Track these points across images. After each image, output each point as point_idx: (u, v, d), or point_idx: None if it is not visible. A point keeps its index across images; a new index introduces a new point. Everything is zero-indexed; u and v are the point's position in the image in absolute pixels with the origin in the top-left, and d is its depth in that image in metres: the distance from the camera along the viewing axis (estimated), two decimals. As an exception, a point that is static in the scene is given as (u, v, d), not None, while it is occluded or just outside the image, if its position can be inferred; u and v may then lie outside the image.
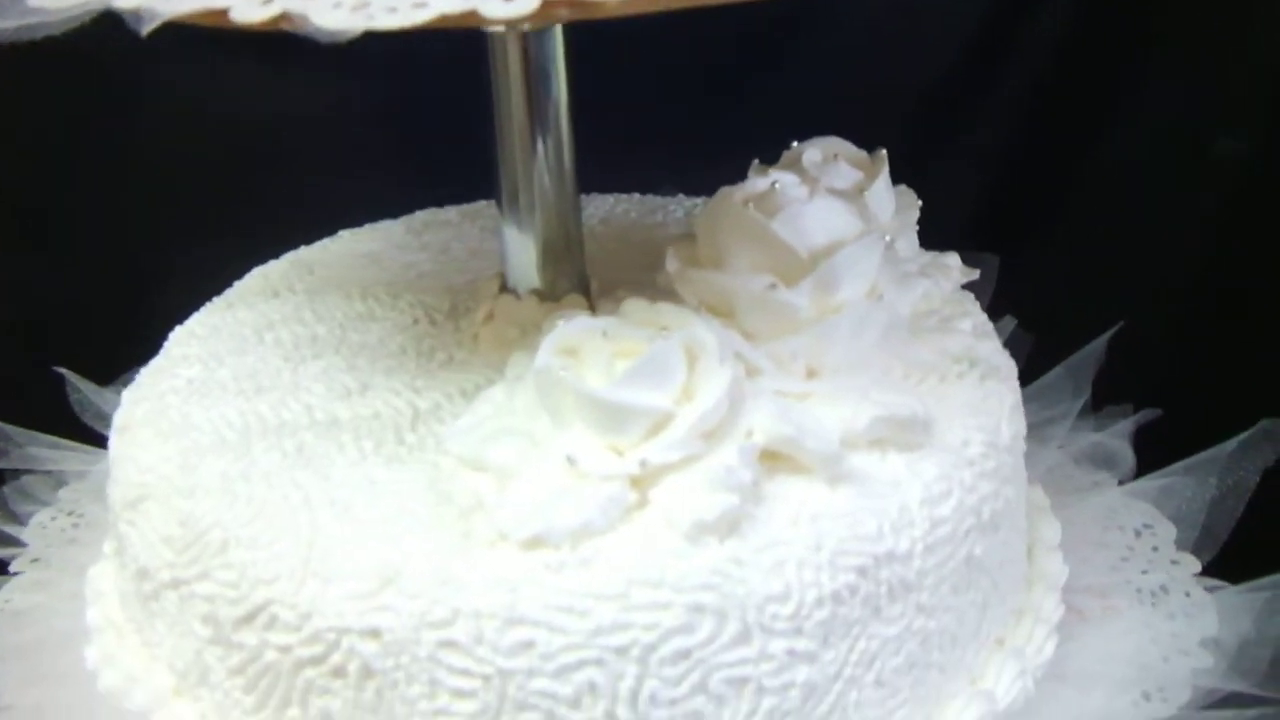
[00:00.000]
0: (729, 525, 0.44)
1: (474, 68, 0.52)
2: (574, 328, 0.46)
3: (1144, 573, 0.56)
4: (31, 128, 0.83)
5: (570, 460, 0.45)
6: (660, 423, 0.45)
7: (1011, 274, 0.65)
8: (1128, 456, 0.62)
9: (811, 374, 0.49)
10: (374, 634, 0.43)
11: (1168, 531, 0.59)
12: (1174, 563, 0.57)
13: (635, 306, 0.47)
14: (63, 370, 0.67)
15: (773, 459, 0.46)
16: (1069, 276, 0.74)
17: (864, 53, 0.79)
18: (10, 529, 0.62)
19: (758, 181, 0.50)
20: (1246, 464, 0.57)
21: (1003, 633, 0.51)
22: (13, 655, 0.55)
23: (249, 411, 0.51)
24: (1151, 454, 0.62)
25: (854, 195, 0.50)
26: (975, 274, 0.55)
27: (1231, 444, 0.57)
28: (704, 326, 0.45)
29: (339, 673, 0.44)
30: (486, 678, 0.43)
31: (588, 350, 0.46)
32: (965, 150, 0.80)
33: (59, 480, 0.64)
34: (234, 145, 0.82)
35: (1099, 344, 0.64)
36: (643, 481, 0.45)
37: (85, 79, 0.79)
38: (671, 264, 0.50)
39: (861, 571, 0.45)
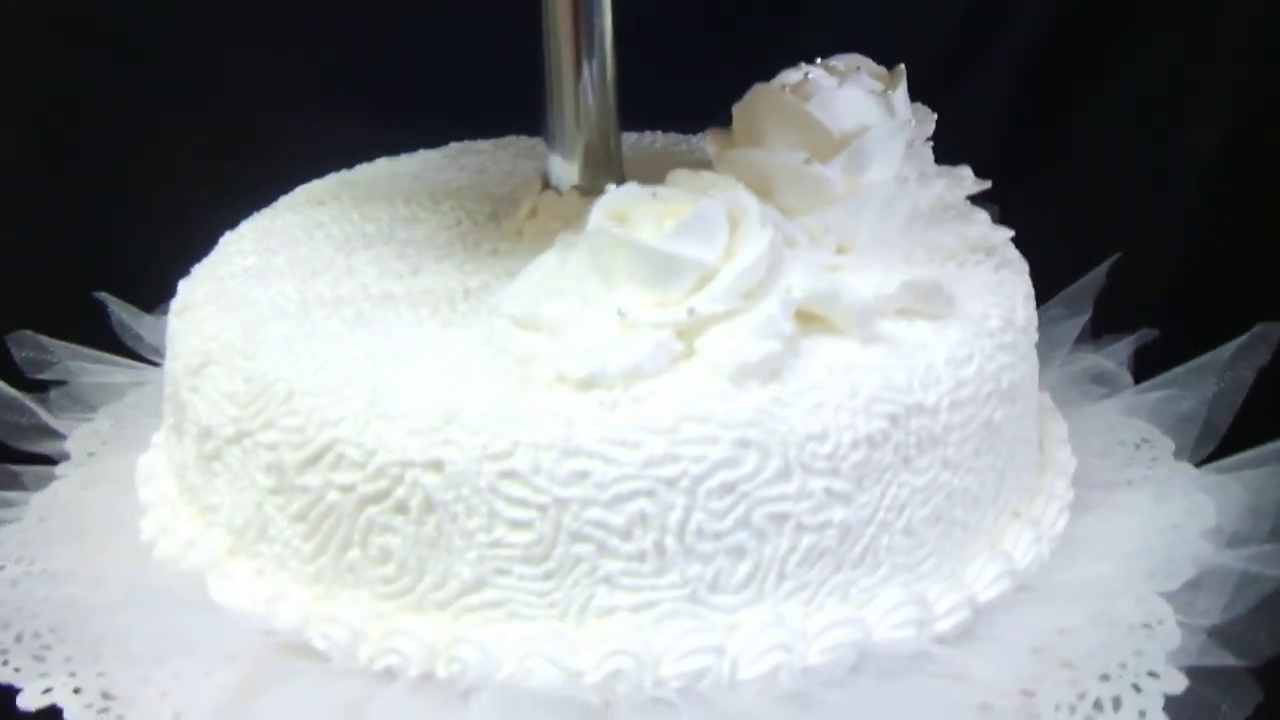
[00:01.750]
0: (770, 371, 0.47)
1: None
2: (625, 192, 0.49)
3: (1145, 477, 0.59)
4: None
5: (621, 313, 0.48)
6: (706, 277, 0.48)
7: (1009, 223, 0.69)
8: (1125, 378, 0.65)
9: (842, 250, 0.52)
10: (436, 466, 0.46)
11: (1166, 444, 0.62)
12: (1174, 471, 0.60)
13: (681, 176, 0.50)
14: (103, 294, 0.70)
15: (808, 321, 0.49)
16: (1065, 224, 0.77)
17: (867, 13, 0.83)
18: (53, 440, 0.64)
19: (791, 73, 0.53)
20: (1243, 365, 0.60)
21: (1019, 506, 0.54)
22: (68, 538, 0.57)
23: (306, 289, 0.54)
24: (1150, 377, 0.66)
25: (879, 92, 0.54)
26: (987, 184, 0.58)
27: (1229, 348, 0.61)
28: (745, 192, 0.49)
29: (401, 508, 0.47)
30: (543, 507, 0.46)
31: (637, 213, 0.49)
32: (964, 104, 0.84)
33: (101, 392, 0.66)
34: (255, 87, 0.85)
35: (1098, 272, 0.68)
36: (689, 332, 0.48)
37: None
38: (710, 148, 0.54)
39: (893, 419, 0.48)
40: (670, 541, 0.46)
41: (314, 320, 0.52)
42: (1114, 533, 0.55)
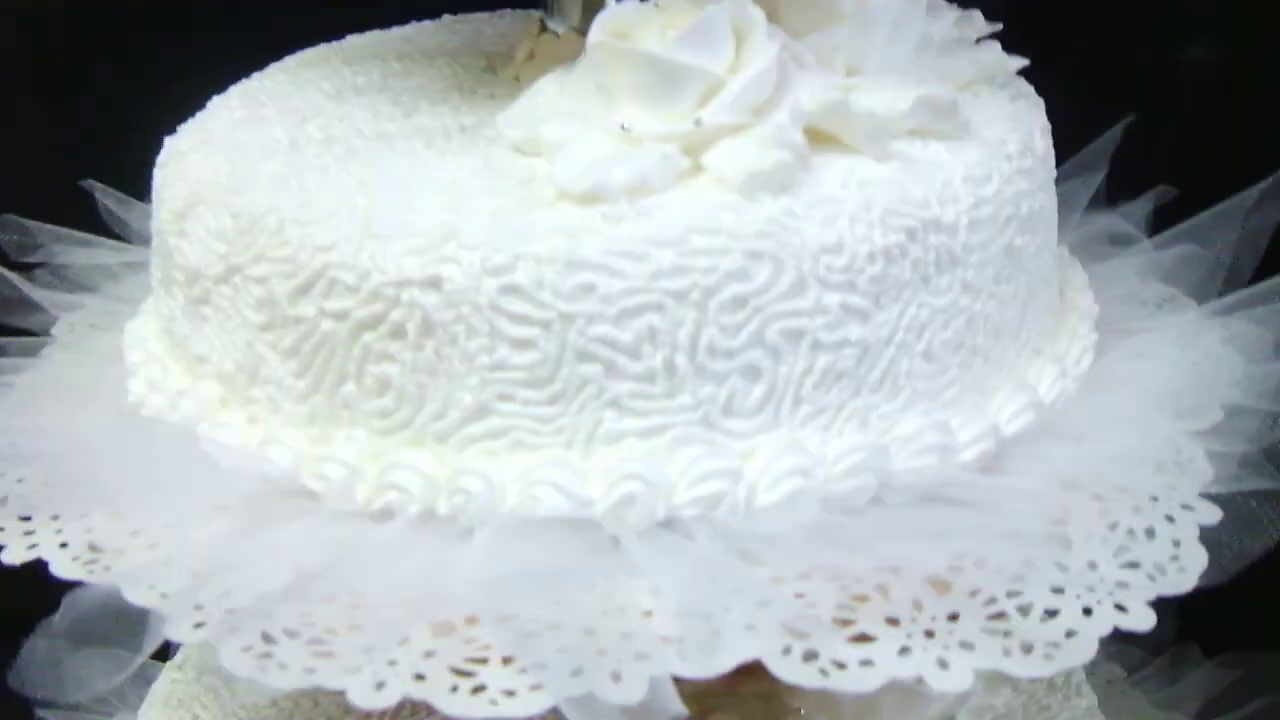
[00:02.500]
0: (781, 182, 0.45)
1: None
2: (626, 7, 0.47)
3: (1170, 324, 0.57)
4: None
5: (625, 128, 0.46)
6: (712, 89, 0.46)
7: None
8: (1142, 240, 0.63)
9: (851, 72, 0.50)
10: (434, 284, 0.44)
11: (1187, 303, 0.61)
12: (1199, 319, 0.58)
13: (683, -11, 0.48)
14: (90, 182, 0.68)
15: (820, 140, 0.47)
16: (1079, 89, 0.74)
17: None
18: (41, 316, 0.62)
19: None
20: (1268, 208, 0.58)
21: (1041, 344, 0.52)
22: (54, 404, 0.55)
23: (296, 132, 0.52)
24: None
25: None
26: (997, 26, 0.56)
27: (1252, 193, 0.59)
28: (750, 3, 0.47)
29: (398, 333, 0.45)
30: (547, 324, 0.44)
31: (640, 29, 0.47)
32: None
33: (91, 274, 0.64)
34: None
35: (1113, 133, 0.66)
36: (695, 147, 0.46)
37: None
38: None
39: (910, 234, 0.46)
40: (681, 360, 0.44)
41: (305, 157, 0.49)
42: (1139, 375, 0.53)
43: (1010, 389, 0.49)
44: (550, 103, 0.48)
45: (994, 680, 0.63)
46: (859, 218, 0.45)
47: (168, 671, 0.68)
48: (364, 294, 0.45)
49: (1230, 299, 0.56)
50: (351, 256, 0.45)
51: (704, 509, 0.44)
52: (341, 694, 0.65)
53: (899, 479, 0.46)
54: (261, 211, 0.47)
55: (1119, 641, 0.78)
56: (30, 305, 0.61)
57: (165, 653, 0.69)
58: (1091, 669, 0.72)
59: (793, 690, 0.59)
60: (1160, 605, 0.79)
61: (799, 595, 0.43)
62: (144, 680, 0.69)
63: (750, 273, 0.44)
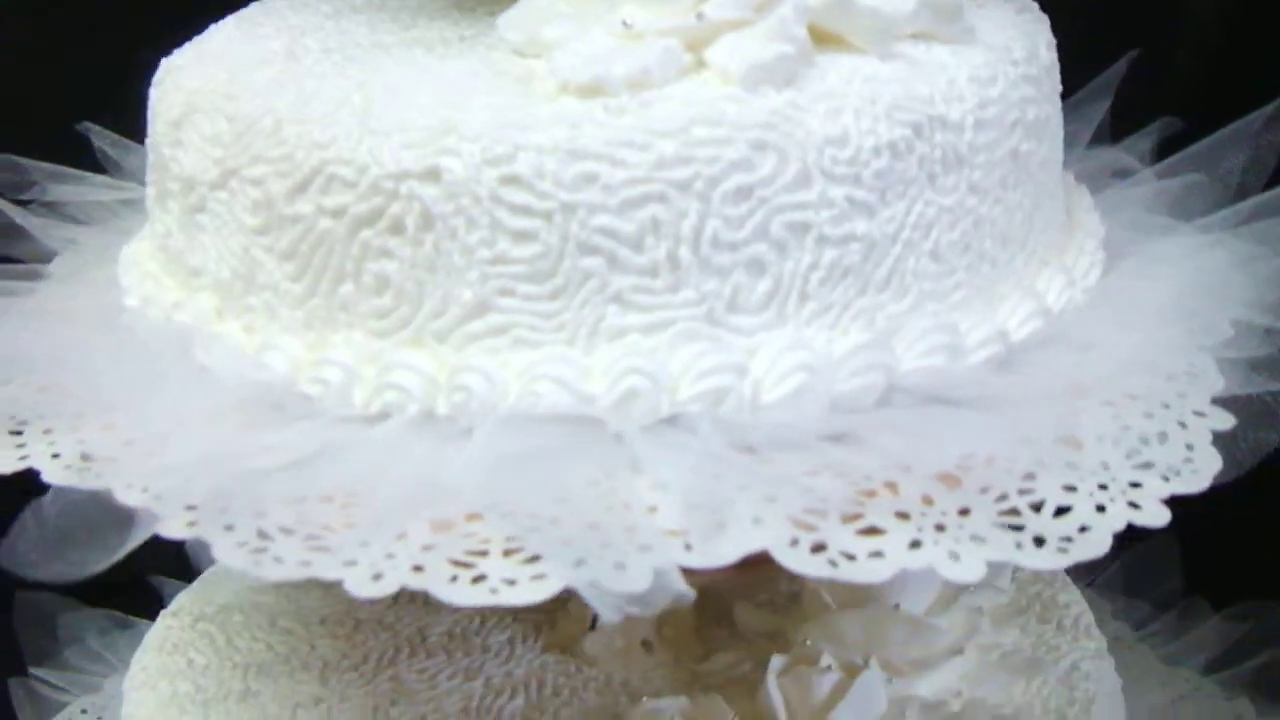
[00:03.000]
0: (784, 75, 0.44)
1: None
2: (625, -95, 0.47)
3: (1177, 245, 0.56)
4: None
5: (626, 24, 0.45)
6: (714, -17, 0.45)
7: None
8: (1146, 173, 0.63)
9: (853, -18, 0.49)
10: (434, 175, 0.43)
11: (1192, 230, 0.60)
12: (1208, 241, 0.58)
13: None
14: (87, 125, 0.67)
15: (823, 40, 0.46)
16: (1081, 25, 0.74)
17: None
18: (35, 249, 0.61)
19: None
20: (1275, 129, 0.57)
21: (1048, 255, 0.51)
22: (46, 329, 0.54)
23: (294, 44, 0.51)
24: (1174, 175, 0.63)
25: None
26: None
27: (1260, 114, 0.58)
28: (753, -99, 0.46)
29: (397, 227, 0.44)
30: (548, 215, 0.43)
31: (640, -74, 0.46)
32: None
33: (88, 210, 0.63)
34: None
35: (1117, 67, 0.65)
36: (697, 43, 0.45)
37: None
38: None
39: (916, 129, 0.45)
40: (684, 252, 0.43)
41: (302, 65, 0.49)
42: (1147, 291, 0.53)
43: (1018, 296, 0.49)
44: (550, 5, 0.47)
45: (1002, 617, 0.62)
46: (864, 111, 0.44)
47: (162, 619, 0.67)
48: (362, 188, 0.44)
49: (1231, 212, 0.56)
50: (350, 151, 0.44)
51: (708, 405, 0.43)
52: (337, 635, 0.65)
53: (906, 379, 0.45)
54: (258, 114, 0.46)
55: (1127, 596, 0.78)
56: (24, 235, 0.60)
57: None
58: (1098, 624, 0.71)
59: (798, 623, 0.59)
60: (1167, 559, 0.79)
61: (806, 491, 0.42)
62: (136, 641, 0.68)
63: (754, 163, 0.43)
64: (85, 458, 0.47)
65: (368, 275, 0.45)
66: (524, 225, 0.43)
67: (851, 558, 0.41)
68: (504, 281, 0.43)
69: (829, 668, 0.54)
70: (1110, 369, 0.48)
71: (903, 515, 0.42)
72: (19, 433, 0.49)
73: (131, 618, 0.77)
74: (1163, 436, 0.46)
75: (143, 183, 0.59)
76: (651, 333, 0.44)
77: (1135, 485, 0.44)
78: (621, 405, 0.43)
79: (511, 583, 0.40)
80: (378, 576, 0.40)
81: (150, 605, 0.72)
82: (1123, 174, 0.62)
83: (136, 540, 0.42)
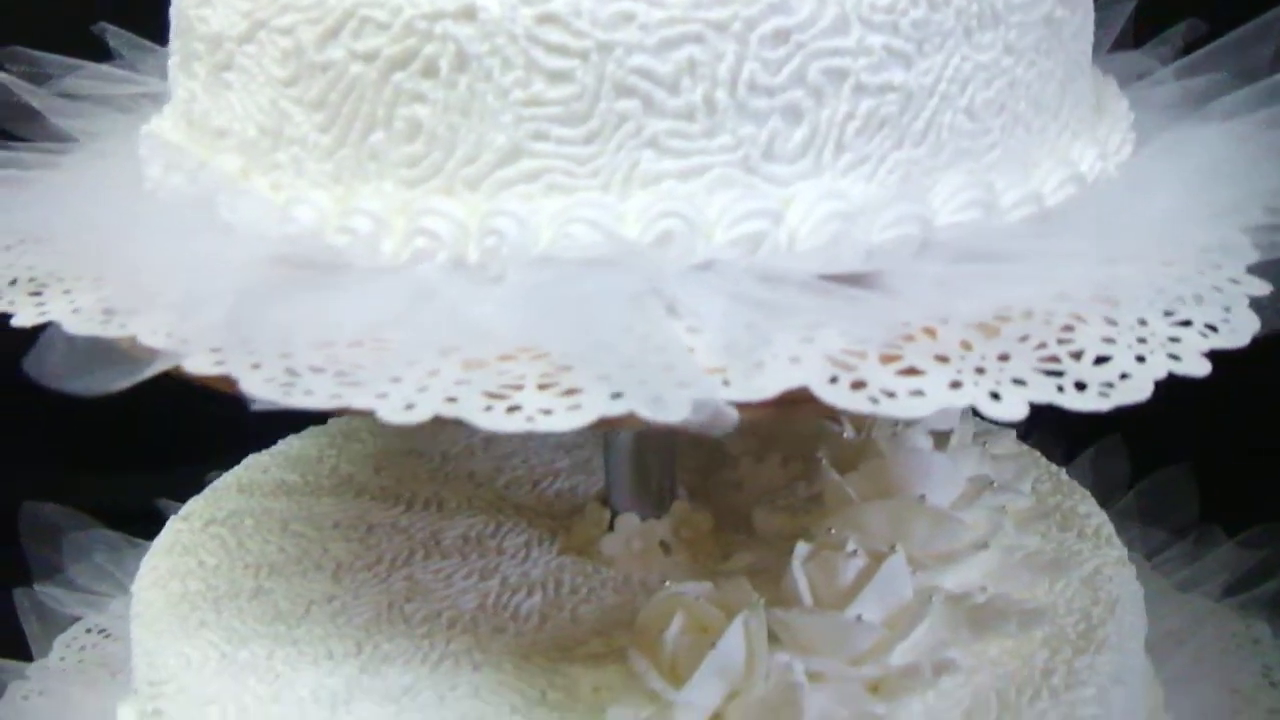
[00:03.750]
0: (824, -78, 0.44)
1: None
2: None
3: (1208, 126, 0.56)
4: None
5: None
6: None
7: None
8: (1167, 74, 0.62)
9: None
10: (469, 14, 0.42)
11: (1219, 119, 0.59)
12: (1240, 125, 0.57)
13: None
14: (104, 25, 0.66)
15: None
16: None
17: None
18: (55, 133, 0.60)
19: None
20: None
21: (1080, 129, 0.51)
22: (67, 198, 0.53)
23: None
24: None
25: None
26: None
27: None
28: None
29: (430, 69, 0.43)
30: (584, 54, 0.42)
31: None
32: None
33: (109, 103, 0.62)
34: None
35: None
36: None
37: None
38: None
39: (954, -17, 0.45)
40: (721, 96, 0.43)
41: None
42: (1178, 172, 0.52)
43: (1052, 163, 0.48)
44: None
45: (1023, 521, 0.62)
46: (902, -41, 0.44)
47: (171, 523, 0.66)
48: (396, 30, 0.43)
49: (1253, 94, 0.55)
50: (383, -5, 0.43)
51: (744, 251, 0.43)
52: (350, 539, 0.64)
53: (941, 235, 0.45)
54: (288, -34, 0.46)
55: (1142, 523, 0.77)
56: (42, 121, 0.59)
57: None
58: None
59: (820, 520, 0.58)
60: (1183, 487, 0.79)
61: (844, 333, 0.42)
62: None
63: (792, 6, 0.42)
64: (107, 311, 0.46)
65: (399, 121, 0.44)
66: (560, 65, 0.42)
67: (891, 395, 0.40)
68: (538, 125, 0.43)
69: (855, 552, 0.53)
70: (1144, 237, 0.48)
71: (942, 358, 0.41)
72: (38, 294, 0.49)
73: (139, 540, 0.76)
74: (1199, 298, 0.46)
75: (163, 78, 0.58)
76: (687, 178, 0.43)
77: (1174, 340, 0.44)
78: (657, 248, 0.42)
79: (548, 412, 0.39)
80: (410, 406, 0.39)
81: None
82: (1145, 76, 0.62)
83: (159, 368, 0.41)
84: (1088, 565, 0.61)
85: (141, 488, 0.81)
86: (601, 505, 0.63)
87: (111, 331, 0.44)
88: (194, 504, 0.67)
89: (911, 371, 0.41)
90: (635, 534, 0.61)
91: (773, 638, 0.52)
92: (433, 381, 0.40)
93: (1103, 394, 0.41)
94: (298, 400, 0.40)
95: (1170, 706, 0.65)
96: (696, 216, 0.43)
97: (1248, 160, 0.54)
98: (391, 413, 0.39)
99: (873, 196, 0.44)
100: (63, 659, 0.72)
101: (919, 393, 0.40)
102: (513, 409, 0.39)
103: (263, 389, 0.40)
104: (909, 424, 0.61)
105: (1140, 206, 0.49)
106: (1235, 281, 0.47)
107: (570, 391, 0.40)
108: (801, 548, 0.54)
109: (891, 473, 0.58)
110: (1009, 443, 0.67)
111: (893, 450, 0.58)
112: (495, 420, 0.39)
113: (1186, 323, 0.45)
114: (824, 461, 0.59)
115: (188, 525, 0.65)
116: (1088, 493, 0.67)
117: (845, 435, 0.62)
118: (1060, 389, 0.41)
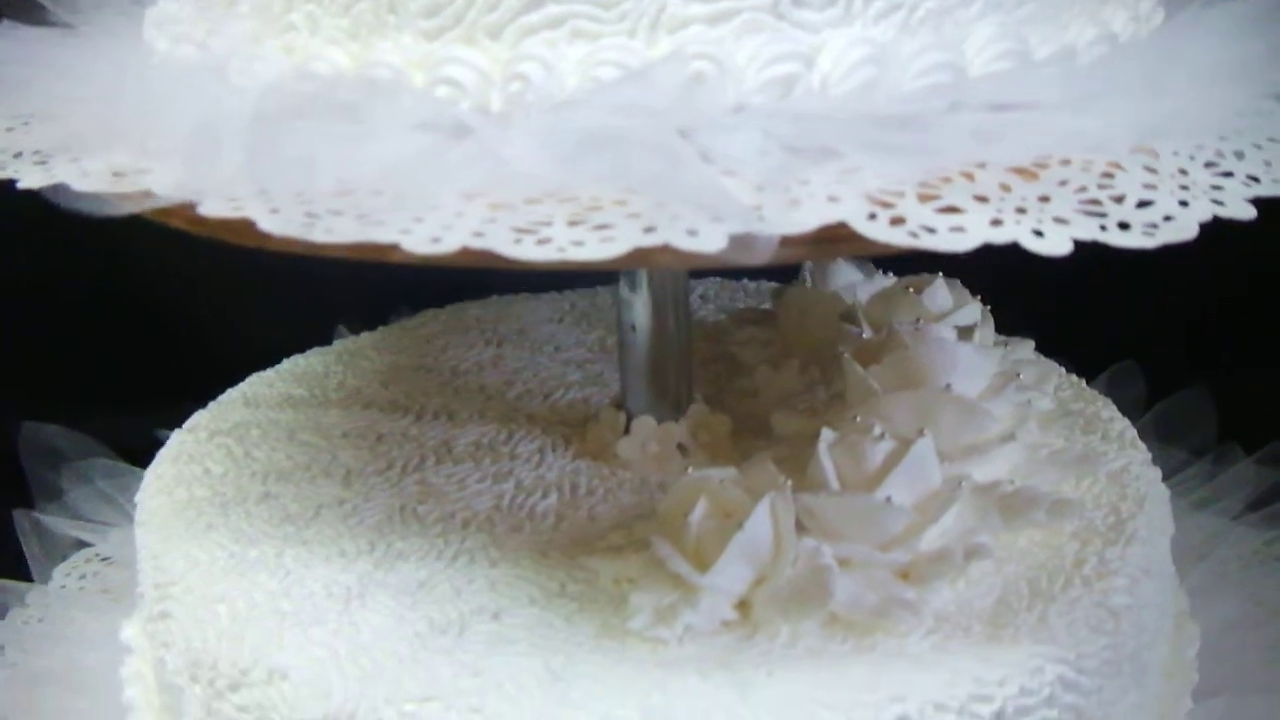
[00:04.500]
0: None
1: None
2: None
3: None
4: None
5: None
6: None
7: None
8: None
9: None
10: None
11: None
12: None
13: None
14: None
15: None
16: None
17: None
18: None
19: None
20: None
21: (1109, -4, 0.50)
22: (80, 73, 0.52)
23: None
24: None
25: None
26: None
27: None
28: None
29: (451, -89, 0.42)
30: (611, -108, 0.41)
31: None
32: None
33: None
34: None
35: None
36: None
37: None
38: None
39: None
40: (751, -65, 0.42)
41: None
42: (1210, 43, 0.51)
43: (1084, 22, 0.47)
44: None
45: (1048, 421, 0.61)
46: None
47: (176, 435, 0.64)
48: None
49: None
50: None
51: (776, 96, 0.42)
52: (360, 447, 0.62)
53: (975, 87, 0.44)
54: None
55: (1160, 443, 0.76)
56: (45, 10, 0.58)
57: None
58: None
59: (846, 407, 0.57)
60: (1201, 407, 0.78)
61: (881, 173, 0.41)
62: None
63: None
64: (117, 173, 0.45)
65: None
66: (585, -96, 0.41)
67: (932, 230, 0.39)
68: (562, -32, 0.42)
69: (882, 435, 0.52)
70: (1180, 98, 0.47)
71: (981, 198, 0.40)
72: (44, 161, 0.47)
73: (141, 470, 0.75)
74: (1239, 154, 0.45)
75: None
76: (715, 23, 0.42)
77: (1216, 187, 0.43)
78: (687, 93, 0.41)
79: (579, 244, 0.38)
80: (436, 240, 0.38)
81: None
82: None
83: (168, 198, 0.40)
84: (1114, 463, 0.60)
85: (141, 426, 0.79)
86: (616, 410, 0.62)
87: (123, 187, 0.43)
88: (199, 417, 0.65)
89: (951, 210, 0.40)
90: (652, 437, 0.60)
91: (800, 527, 0.51)
92: (458, 221, 0.39)
93: (1147, 234, 0.40)
94: (319, 236, 0.38)
95: (1194, 617, 0.64)
96: (726, 60, 0.41)
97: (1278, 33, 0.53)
98: (417, 245, 0.38)
99: (905, 46, 0.43)
100: (64, 586, 0.71)
101: (959, 229, 0.39)
102: (543, 241, 0.38)
103: (284, 227, 0.39)
104: (932, 318, 0.60)
105: (1174, 70, 0.48)
106: (1275, 140, 0.46)
107: (602, 226, 0.38)
108: (827, 434, 0.53)
109: (916, 364, 0.56)
110: (1028, 351, 0.66)
111: (916, 342, 0.57)
112: (525, 251, 0.37)
113: (1228, 174, 0.44)
114: (846, 356, 0.58)
115: (193, 436, 0.64)
116: (1109, 400, 0.66)
117: (865, 335, 0.61)
118: (1104, 228, 0.40)
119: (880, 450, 0.52)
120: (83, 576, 0.72)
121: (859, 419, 0.54)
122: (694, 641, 0.49)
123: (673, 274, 0.60)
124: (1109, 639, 0.51)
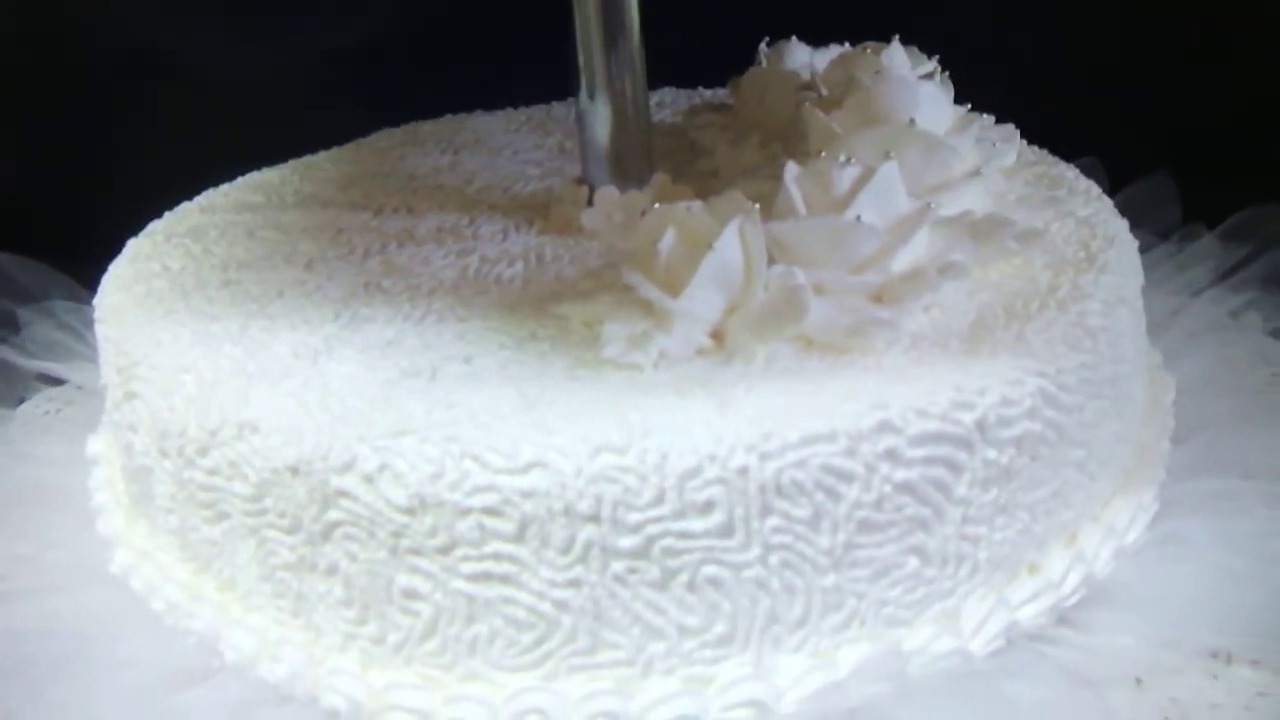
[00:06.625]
0: None
1: None
2: None
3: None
4: None
5: None
6: None
7: None
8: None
9: None
10: None
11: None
12: None
13: None
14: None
15: None
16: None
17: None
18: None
19: None
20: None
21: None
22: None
23: None
24: None
25: None
26: None
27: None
28: None
29: None
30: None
31: None
32: None
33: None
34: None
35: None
36: None
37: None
38: None
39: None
40: None
41: None
42: None
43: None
44: None
45: (1015, 171, 0.60)
46: None
47: (132, 243, 0.62)
48: None
49: None
50: None
51: None
52: (320, 239, 0.61)
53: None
54: None
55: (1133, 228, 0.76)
56: None
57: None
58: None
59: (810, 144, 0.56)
60: (1164, 192, 0.78)
61: None
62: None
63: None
64: None
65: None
66: None
67: None
68: None
69: (848, 161, 0.51)
70: None
71: None
72: None
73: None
74: None
75: None
76: None
77: None
78: None
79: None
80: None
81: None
82: None
83: None
84: (1082, 211, 0.59)
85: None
86: (579, 185, 0.61)
87: None
88: (154, 225, 0.64)
89: None
90: (616, 206, 0.59)
91: (770, 261, 0.50)
92: None
93: None
94: None
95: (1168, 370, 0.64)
96: None
97: None
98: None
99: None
100: (28, 423, 0.69)
101: None
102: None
103: None
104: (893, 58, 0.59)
105: None
106: None
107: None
108: (792, 167, 0.52)
109: (878, 103, 0.56)
110: (988, 121, 0.65)
111: (877, 83, 0.56)
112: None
113: None
114: (807, 105, 0.57)
115: (149, 240, 0.62)
116: (1071, 165, 0.65)
117: (823, 93, 0.60)
118: None
119: (847, 175, 0.51)
120: (46, 413, 0.70)
121: (824, 154, 0.53)
122: (670, 368, 0.48)
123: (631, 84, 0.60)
124: (1087, 357, 0.51)
